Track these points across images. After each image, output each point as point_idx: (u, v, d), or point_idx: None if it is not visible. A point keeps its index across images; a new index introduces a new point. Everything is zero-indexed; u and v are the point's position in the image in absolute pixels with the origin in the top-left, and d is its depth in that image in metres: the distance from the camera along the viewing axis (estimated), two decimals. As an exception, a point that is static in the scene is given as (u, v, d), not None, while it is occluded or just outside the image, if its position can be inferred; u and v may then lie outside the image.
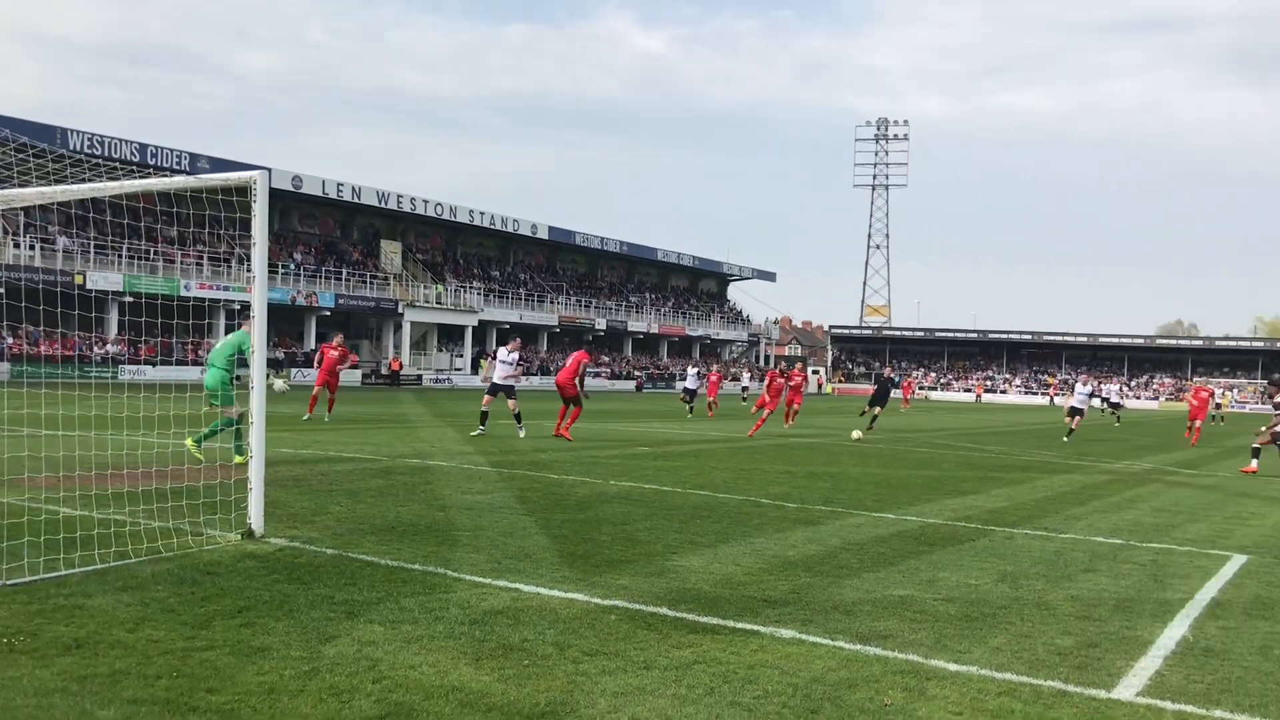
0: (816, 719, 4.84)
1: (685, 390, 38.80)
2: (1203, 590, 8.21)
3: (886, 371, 34.23)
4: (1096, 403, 34.79)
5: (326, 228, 73.42)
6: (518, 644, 5.85)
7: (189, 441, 12.98)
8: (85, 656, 5.31)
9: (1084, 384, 31.76)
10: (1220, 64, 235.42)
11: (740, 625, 6.48)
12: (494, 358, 22.16)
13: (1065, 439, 29.39)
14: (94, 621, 5.97)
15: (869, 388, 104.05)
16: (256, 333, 8.60)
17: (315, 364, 27.41)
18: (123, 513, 9.16)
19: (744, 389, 60.38)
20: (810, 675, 5.50)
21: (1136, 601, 7.69)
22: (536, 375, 74.92)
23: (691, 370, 39.50)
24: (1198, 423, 31.26)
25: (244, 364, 13.30)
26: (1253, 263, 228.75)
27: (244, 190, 8.73)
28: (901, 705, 5.07)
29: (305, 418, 23.60)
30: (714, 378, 39.19)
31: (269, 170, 55.73)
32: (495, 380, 21.60)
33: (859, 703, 5.08)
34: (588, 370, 21.14)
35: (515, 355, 21.89)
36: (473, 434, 21.19)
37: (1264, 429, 20.95)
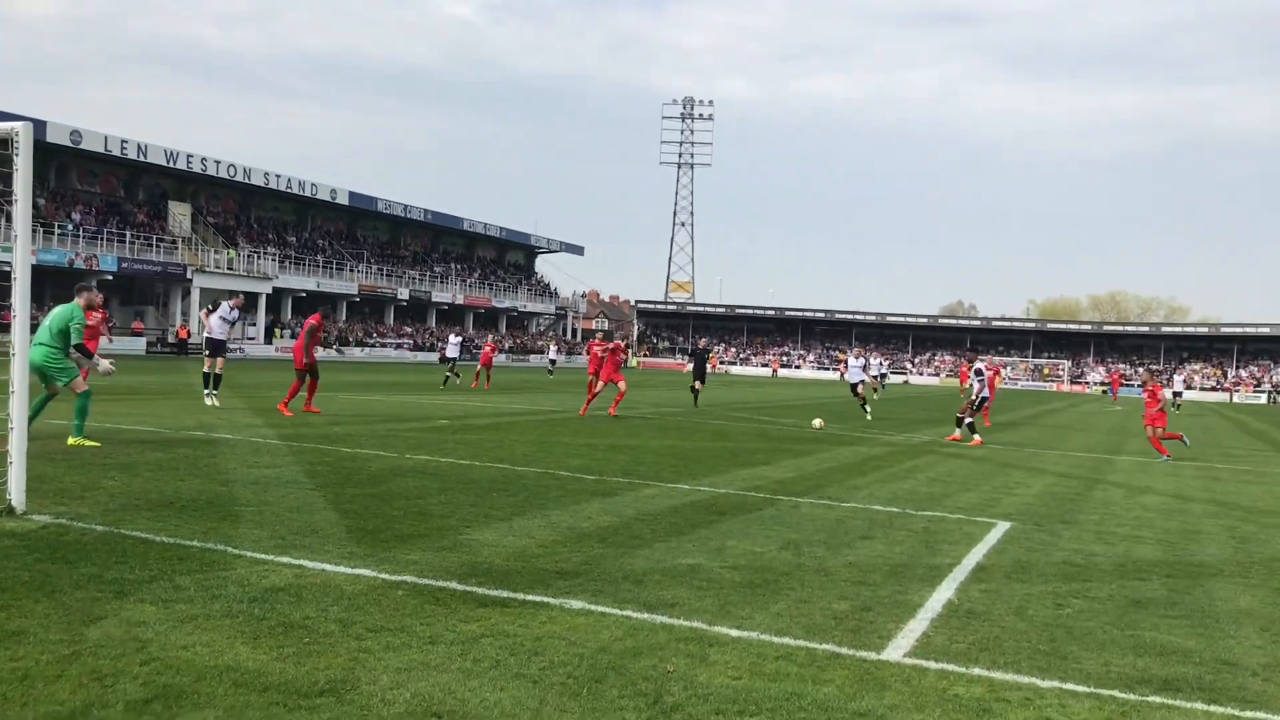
0: (600, 688, 4.90)
1: (447, 359, 37.62)
2: (969, 555, 8.73)
3: (701, 343, 34.79)
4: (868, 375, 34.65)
5: (109, 187, 69.27)
6: (299, 621, 5.68)
7: (71, 440, 12.26)
8: None
9: (856, 358, 31.94)
10: (1003, 60, 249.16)
11: (530, 597, 6.48)
12: (211, 312, 20.44)
13: (868, 417, 28.43)
14: None
15: (674, 362, 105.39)
16: (18, 297, 8.02)
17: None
18: None
19: (551, 362, 60.40)
20: (597, 645, 5.56)
21: (909, 567, 8.11)
22: (335, 345, 72.93)
23: (454, 339, 38.30)
24: (988, 401, 31.76)
25: (68, 339, 12.34)
26: (1027, 249, 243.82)
27: (5, 143, 8.09)
28: (683, 671, 5.19)
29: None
30: (488, 349, 37.83)
31: (38, 123, 52.00)
32: (215, 337, 20.15)
33: (643, 670, 5.17)
34: (317, 334, 19.57)
35: (236, 313, 20.64)
36: (209, 405, 19.80)
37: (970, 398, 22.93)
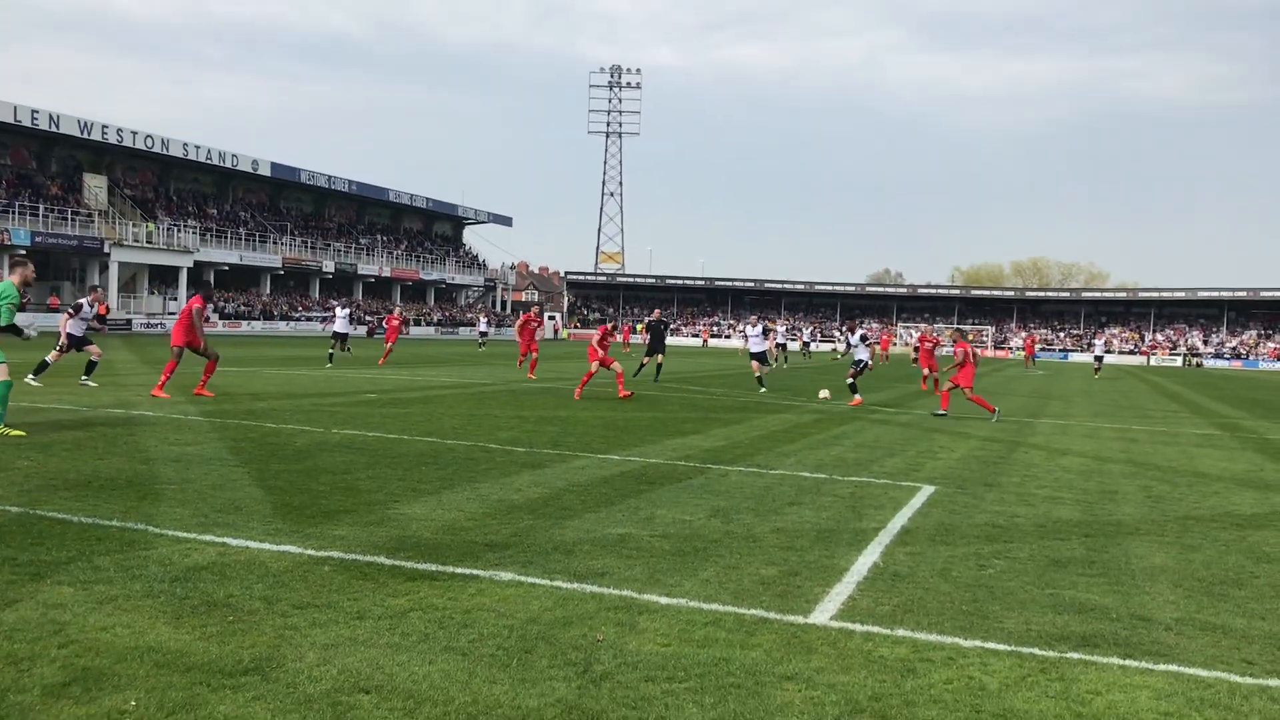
0: (530, 659, 4.90)
1: (335, 334, 32.57)
2: (895, 519, 8.87)
3: (656, 313, 30.30)
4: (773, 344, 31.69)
5: (20, 158, 67.16)
6: (222, 600, 5.60)
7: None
8: None
9: (753, 325, 29.59)
10: (926, 27, 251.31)
11: (459, 570, 6.46)
12: (73, 315, 19.88)
13: (761, 389, 25.89)
14: None
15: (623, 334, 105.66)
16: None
17: None
18: None
19: (482, 334, 59.87)
20: (527, 616, 5.56)
21: (836, 532, 8.22)
22: (260, 320, 71.83)
23: (340, 310, 32.86)
24: (934, 374, 28.04)
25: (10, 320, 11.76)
26: (952, 217, 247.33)
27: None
28: (613, 640, 5.21)
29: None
30: (394, 322, 34.40)
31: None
32: (74, 334, 19.62)
33: (572, 640, 5.18)
34: (204, 317, 18.27)
35: (93, 309, 20.23)
36: (33, 383, 18.63)
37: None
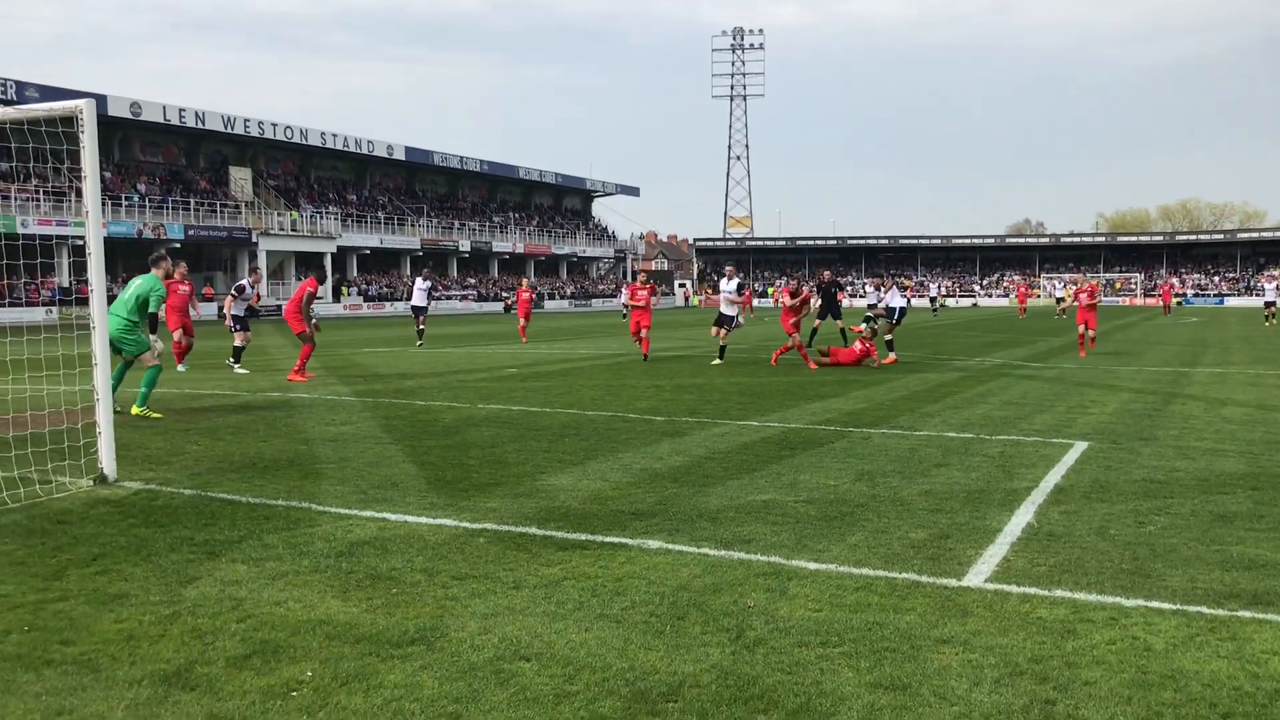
0: (683, 625, 4.97)
1: (413, 309, 29.61)
2: (1047, 478, 8.65)
3: (826, 274, 26.57)
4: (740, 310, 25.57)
5: (171, 156, 70.25)
6: (386, 573, 5.83)
7: (135, 410, 12.34)
8: (-72, 617, 5.10)
9: (728, 278, 22.54)
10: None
11: (608, 539, 6.57)
12: (237, 297, 20.84)
13: (716, 361, 21.48)
14: (-64, 580, 5.71)
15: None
16: (94, 270, 8.21)
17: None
18: (-37, 465, 8.74)
19: (625, 305, 59.78)
20: (676, 583, 5.63)
21: (986, 492, 8.06)
22: (402, 301, 73.74)
23: (421, 284, 29.41)
24: (1089, 332, 24.48)
25: (146, 310, 12.45)
26: (1095, 162, 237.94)
27: (71, 121, 8.24)
28: (764, 606, 5.24)
29: (181, 369, 19.54)
30: (525, 294, 32.49)
31: (99, 98, 52.73)
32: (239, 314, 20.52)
33: (723, 606, 5.23)
34: (313, 298, 18.31)
35: (252, 289, 21.07)
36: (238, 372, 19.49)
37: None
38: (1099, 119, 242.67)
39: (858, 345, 20.90)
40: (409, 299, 34.48)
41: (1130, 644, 4.72)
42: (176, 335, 19.49)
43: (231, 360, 20.11)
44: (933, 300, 63.36)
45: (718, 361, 21.20)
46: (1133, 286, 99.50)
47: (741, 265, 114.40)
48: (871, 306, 27.85)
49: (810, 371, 19.28)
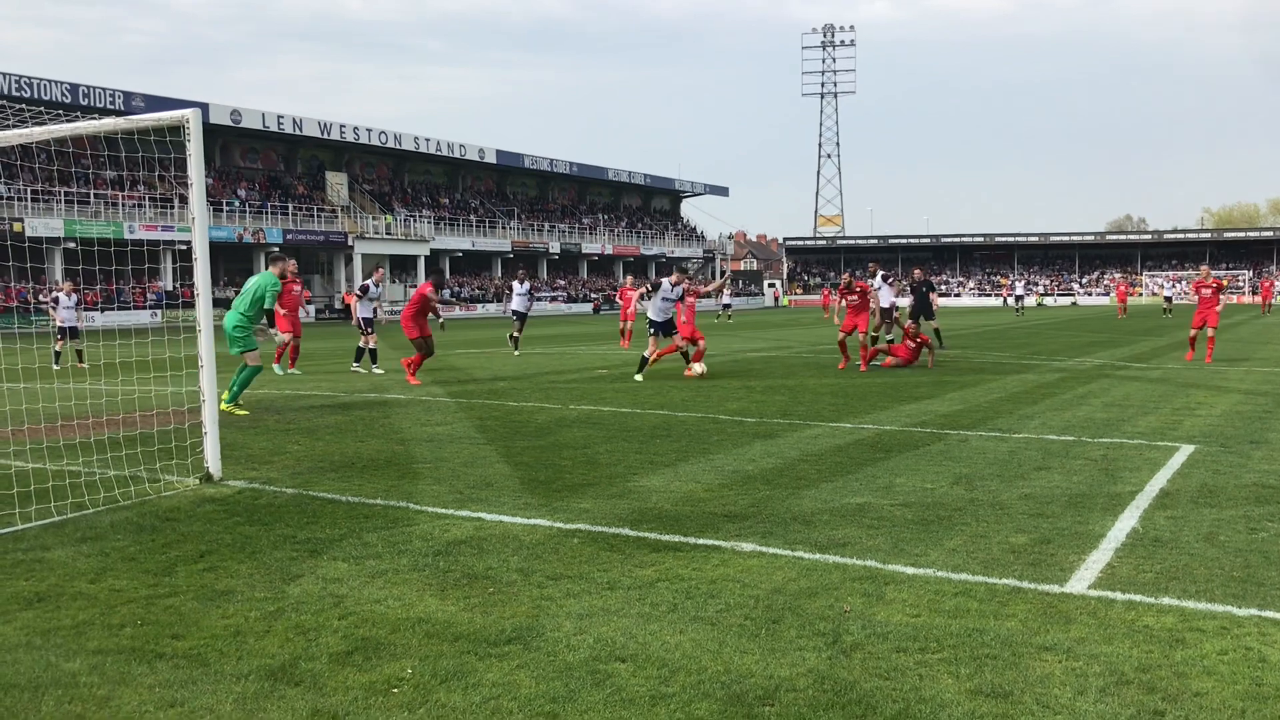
0: (778, 629, 4.94)
1: (514, 313, 27.03)
2: (1152, 482, 8.40)
3: (917, 273, 25.89)
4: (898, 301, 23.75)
5: (269, 162, 72.06)
6: (482, 572, 5.90)
7: (223, 404, 12.60)
8: (47, 610, 5.30)
9: (672, 281, 18.64)
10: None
11: (701, 541, 6.56)
12: (361, 296, 21.00)
13: (637, 377, 18.15)
14: (54, 574, 5.94)
15: (821, 299, 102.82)
16: (200, 274, 8.46)
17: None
18: (77, 463, 9.08)
19: (725, 307, 59.08)
20: (771, 586, 5.59)
21: (1088, 496, 7.86)
22: (493, 302, 74.53)
23: (520, 288, 26.81)
24: (1209, 330, 21.13)
25: (262, 307, 12.91)
26: (1199, 156, 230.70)
27: (177, 130, 8.50)
28: (860, 610, 5.18)
29: (286, 372, 19.64)
30: (630, 292, 29.24)
31: (202, 107, 54.32)
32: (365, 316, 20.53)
33: (819, 611, 5.19)
34: (436, 303, 18.17)
35: (379, 288, 21.30)
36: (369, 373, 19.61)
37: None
38: (1204, 111, 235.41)
39: (909, 343, 20.38)
40: (505, 301, 32.08)
41: (1243, 655, 4.56)
42: (285, 337, 18.46)
43: (360, 364, 20.05)
44: (1018, 299, 60.27)
45: (638, 377, 17.55)
46: (1240, 284, 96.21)
47: (832, 265, 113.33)
48: (1020, 299, 28.05)
49: (900, 373, 18.99)
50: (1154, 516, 7.18)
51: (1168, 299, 55.90)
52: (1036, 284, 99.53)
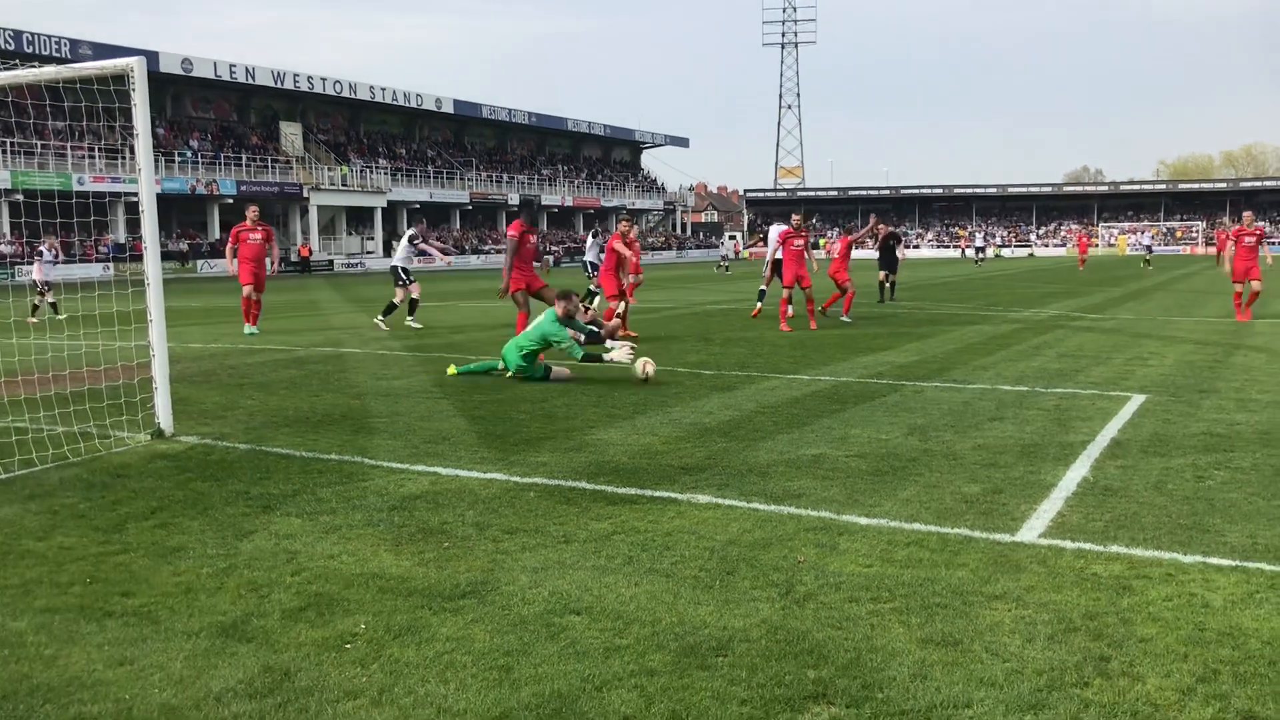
0: (732, 579, 4.96)
1: (589, 265, 26.43)
2: (1104, 431, 8.51)
3: (882, 227, 26.00)
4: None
5: (222, 112, 70.77)
6: (437, 527, 5.87)
7: (451, 371, 11.97)
8: (-6, 569, 5.22)
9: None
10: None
11: (658, 494, 6.57)
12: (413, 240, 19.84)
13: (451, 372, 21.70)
14: (1, 532, 5.85)
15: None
16: (148, 227, 8.28)
17: (230, 255, 18.75)
18: (24, 419, 8.92)
19: (723, 259, 58.47)
20: (726, 538, 5.62)
21: (1040, 446, 7.95)
22: (455, 254, 73.83)
23: (592, 240, 27.22)
24: (1253, 284, 19.46)
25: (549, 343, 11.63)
26: (1155, 109, 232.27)
27: (122, 79, 8.29)
28: (814, 561, 5.22)
29: (251, 331, 18.08)
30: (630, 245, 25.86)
31: (151, 55, 52.98)
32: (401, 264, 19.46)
33: (773, 561, 5.22)
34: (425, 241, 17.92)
35: (420, 240, 19.99)
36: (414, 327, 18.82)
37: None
38: (1159, 65, 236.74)
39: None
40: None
41: (1188, 600, 4.64)
42: (247, 290, 18.25)
43: (414, 318, 19.13)
44: (978, 250, 60.96)
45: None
46: (1194, 235, 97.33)
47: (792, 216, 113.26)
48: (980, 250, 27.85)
49: (858, 324, 19.07)
50: (1105, 465, 7.27)
51: (1148, 248, 56.02)
52: (994, 235, 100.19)
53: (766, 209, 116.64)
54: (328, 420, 9.29)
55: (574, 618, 4.49)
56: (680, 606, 4.62)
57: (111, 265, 45.89)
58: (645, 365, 11.35)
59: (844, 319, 19.57)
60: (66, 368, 10.53)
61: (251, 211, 18.82)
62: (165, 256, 49.75)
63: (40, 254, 23.54)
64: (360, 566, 5.19)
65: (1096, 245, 66.35)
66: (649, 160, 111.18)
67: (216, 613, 4.59)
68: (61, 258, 23.09)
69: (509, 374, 11.83)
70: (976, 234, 66.46)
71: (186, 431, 8.68)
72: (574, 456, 7.68)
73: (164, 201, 51.04)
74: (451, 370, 12.30)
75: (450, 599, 4.73)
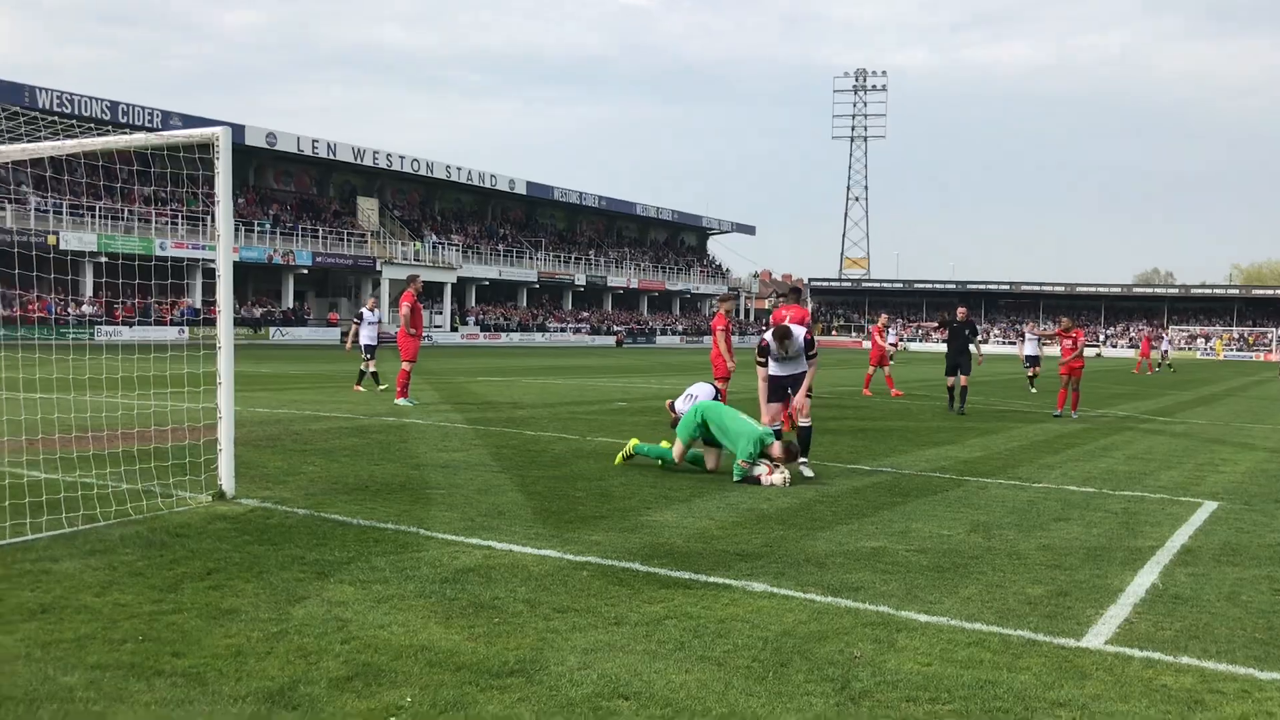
0: (786, 672, 4.84)
1: (1028, 358, 29.60)
2: (1174, 537, 8.26)
3: (961, 312, 22.30)
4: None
5: (302, 185, 72.75)
6: (489, 602, 5.82)
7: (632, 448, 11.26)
8: (50, 621, 5.26)
9: (1030, 331, 30.81)
10: (1195, 16, 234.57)
11: (712, 579, 6.47)
12: (358, 323, 22.82)
13: (1032, 389, 27.93)
14: (60, 586, 5.91)
15: (849, 340, 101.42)
16: (222, 291, 8.46)
17: (405, 323, 19.03)
18: (91, 475, 9.08)
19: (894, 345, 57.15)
20: (781, 628, 5.50)
21: (1107, 550, 7.73)
22: (517, 331, 74.72)
23: (370, 316, 23.15)
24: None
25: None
26: (1229, 213, 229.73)
27: (207, 147, 8.55)
28: (871, 657, 5.08)
29: (411, 403, 18.23)
30: (877, 332, 27.31)
31: (237, 128, 54.87)
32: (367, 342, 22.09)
33: (828, 655, 5.09)
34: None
35: (375, 314, 23.31)
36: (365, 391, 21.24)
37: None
38: (1235, 169, 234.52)
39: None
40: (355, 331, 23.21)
41: (1265, 719, 4.44)
42: (405, 366, 18.79)
43: (362, 384, 21.66)
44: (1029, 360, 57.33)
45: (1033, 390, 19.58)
46: (1268, 341, 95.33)
47: (857, 307, 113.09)
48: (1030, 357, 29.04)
49: (921, 417, 18.85)
50: (1175, 573, 7.04)
51: (1165, 353, 54.68)
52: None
53: (831, 298, 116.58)
54: (386, 489, 9.33)
55: (622, 702, 4.40)
56: (731, 697, 4.51)
57: (186, 329, 46.99)
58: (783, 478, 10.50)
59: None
60: (135, 426, 10.73)
61: (419, 284, 19.76)
62: (239, 323, 51.13)
63: (361, 315, 22.31)
64: (410, 638, 5.15)
65: (1163, 350, 60.26)
66: (715, 246, 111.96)
67: (264, 677, 4.57)
68: (385, 319, 23.85)
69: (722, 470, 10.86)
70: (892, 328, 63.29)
71: (248, 494, 8.76)
72: (629, 537, 7.61)
73: (241, 269, 52.38)
74: (633, 444, 11.33)
75: (498, 676, 4.67)
